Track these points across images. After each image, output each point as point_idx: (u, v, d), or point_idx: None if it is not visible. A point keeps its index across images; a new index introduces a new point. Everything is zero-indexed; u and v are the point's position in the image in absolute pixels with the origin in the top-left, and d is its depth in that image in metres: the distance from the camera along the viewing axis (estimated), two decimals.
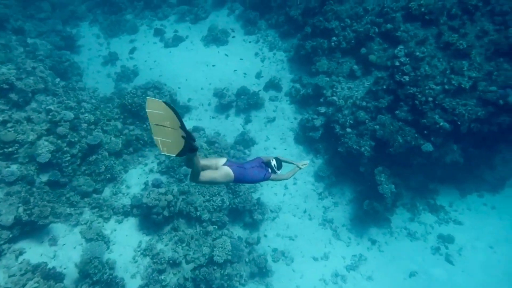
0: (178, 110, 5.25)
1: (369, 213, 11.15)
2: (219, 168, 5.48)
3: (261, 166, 5.92)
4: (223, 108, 13.96)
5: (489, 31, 11.04)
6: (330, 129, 12.29)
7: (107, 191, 10.73)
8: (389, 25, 11.84)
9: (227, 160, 5.59)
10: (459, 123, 10.37)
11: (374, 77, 12.10)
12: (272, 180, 6.06)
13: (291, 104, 14.05)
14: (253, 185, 11.85)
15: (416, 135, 10.71)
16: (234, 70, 14.90)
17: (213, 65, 15.17)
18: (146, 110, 4.32)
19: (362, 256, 11.04)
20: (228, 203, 10.73)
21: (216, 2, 17.59)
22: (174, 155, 4.29)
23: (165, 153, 4.20)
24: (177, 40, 16.17)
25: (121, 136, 11.36)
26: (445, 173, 11.84)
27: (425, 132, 10.62)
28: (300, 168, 6.49)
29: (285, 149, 12.97)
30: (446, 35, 11.18)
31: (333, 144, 12.17)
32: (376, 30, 12.09)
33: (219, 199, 10.56)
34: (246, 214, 11.11)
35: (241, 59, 15.28)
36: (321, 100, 12.74)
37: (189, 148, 4.31)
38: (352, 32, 12.63)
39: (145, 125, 11.83)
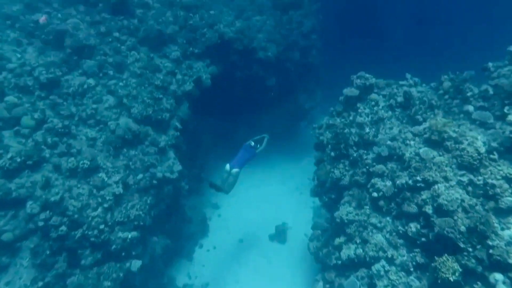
0: None
1: None
2: (230, 173, 9.79)
3: (246, 150, 10.18)
4: None
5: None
6: None
7: None
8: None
9: (229, 163, 9.95)
10: (142, 223, 10.36)
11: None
12: (258, 152, 10.49)
13: None
14: None
15: (118, 265, 9.80)
16: None
17: None
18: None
19: None
20: None
21: None
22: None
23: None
24: None
25: None
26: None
27: (123, 254, 9.90)
28: (268, 138, 10.73)
29: None
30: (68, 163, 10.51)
31: None
32: None
33: None
34: None
35: None
36: None
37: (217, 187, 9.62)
38: None
39: None
